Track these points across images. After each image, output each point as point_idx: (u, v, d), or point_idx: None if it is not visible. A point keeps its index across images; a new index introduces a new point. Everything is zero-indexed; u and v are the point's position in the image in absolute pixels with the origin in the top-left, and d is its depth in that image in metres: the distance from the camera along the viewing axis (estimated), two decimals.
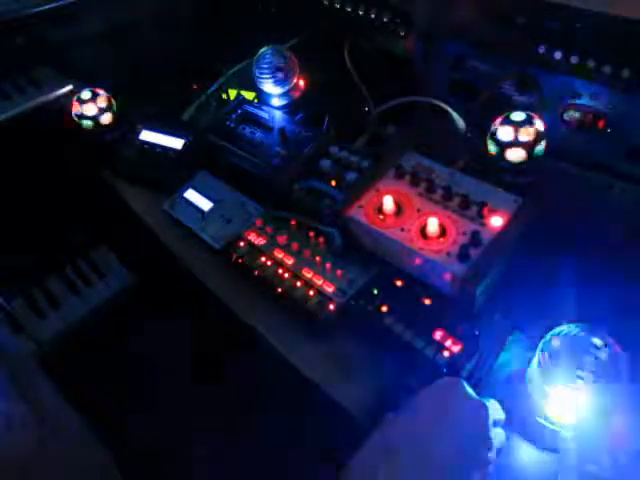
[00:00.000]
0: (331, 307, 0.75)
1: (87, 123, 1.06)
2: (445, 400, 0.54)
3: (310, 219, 0.84)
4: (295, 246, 0.83)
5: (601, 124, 0.83)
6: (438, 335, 0.69)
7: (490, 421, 0.54)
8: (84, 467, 0.55)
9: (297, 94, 1.09)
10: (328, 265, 0.79)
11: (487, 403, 0.55)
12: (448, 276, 0.68)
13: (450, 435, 0.51)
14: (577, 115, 0.85)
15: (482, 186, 0.76)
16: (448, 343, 0.68)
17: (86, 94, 1.06)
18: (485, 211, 0.72)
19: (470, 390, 0.56)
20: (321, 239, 0.82)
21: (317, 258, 0.80)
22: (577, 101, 0.85)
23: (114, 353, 1.24)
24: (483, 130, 0.84)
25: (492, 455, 0.53)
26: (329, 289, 0.77)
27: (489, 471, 0.52)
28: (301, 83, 1.09)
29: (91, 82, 1.12)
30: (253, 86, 1.10)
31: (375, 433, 0.52)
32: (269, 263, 0.82)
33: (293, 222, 0.86)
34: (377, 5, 1.08)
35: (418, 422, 0.52)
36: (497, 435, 0.55)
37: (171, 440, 1.15)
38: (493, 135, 0.81)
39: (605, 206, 0.82)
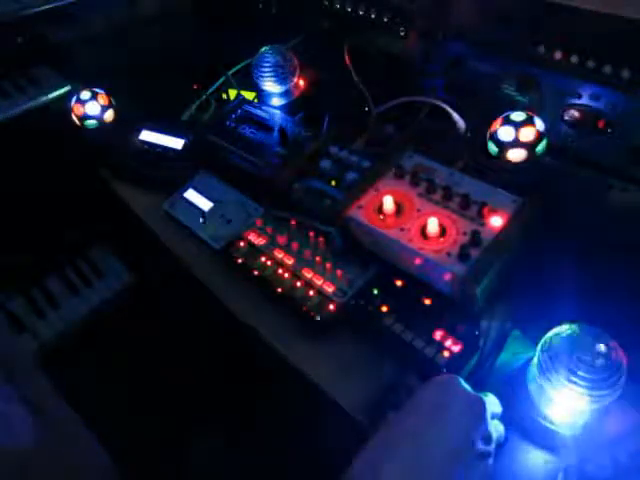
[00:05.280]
0: (331, 307, 0.75)
1: (87, 123, 1.06)
2: (442, 396, 0.54)
3: (310, 219, 0.84)
4: (295, 246, 0.83)
5: (601, 124, 0.83)
6: (438, 335, 0.69)
7: (488, 414, 0.54)
8: (84, 467, 0.55)
9: (297, 94, 1.09)
10: (328, 265, 0.79)
11: (484, 397, 0.56)
12: (448, 276, 0.68)
13: (449, 430, 0.51)
14: (577, 115, 0.85)
15: (482, 186, 0.76)
16: (448, 343, 0.68)
17: (86, 94, 1.06)
18: (485, 211, 0.72)
19: (466, 385, 0.56)
20: (321, 239, 0.82)
21: (317, 258, 0.80)
22: (577, 101, 0.85)
23: (114, 353, 1.24)
24: (483, 130, 0.84)
25: (492, 447, 0.53)
26: (329, 289, 0.77)
27: (489, 463, 0.52)
28: (301, 83, 1.09)
29: (91, 82, 1.12)
30: (253, 86, 1.10)
31: (377, 433, 0.53)
32: (269, 263, 0.82)
33: (293, 222, 0.86)
34: (377, 5, 1.08)
35: (417, 420, 0.52)
36: (496, 427, 0.55)
37: (171, 440, 1.15)
38: (493, 135, 0.81)
39: (605, 206, 0.82)
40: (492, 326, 0.70)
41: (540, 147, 0.79)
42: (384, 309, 0.73)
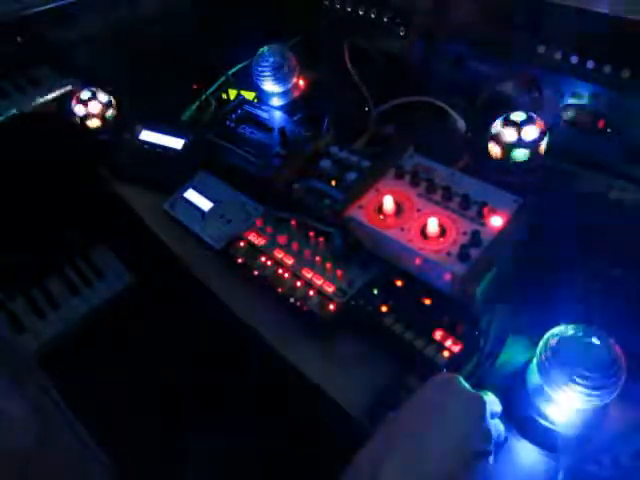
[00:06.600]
0: (331, 307, 0.75)
1: (87, 123, 1.06)
2: (442, 395, 0.54)
3: (310, 219, 0.84)
4: (295, 246, 0.83)
5: (601, 124, 0.83)
6: (438, 335, 0.69)
7: (488, 413, 0.54)
8: (84, 467, 0.55)
9: (297, 94, 1.09)
10: (328, 265, 0.79)
11: (484, 396, 0.56)
12: (448, 276, 0.68)
13: (449, 429, 0.51)
14: (577, 115, 0.85)
15: (482, 186, 0.76)
16: (448, 343, 0.68)
17: (86, 94, 1.06)
18: (485, 211, 0.72)
19: (466, 384, 0.56)
20: (321, 239, 0.82)
21: (317, 258, 0.80)
22: (577, 101, 0.85)
23: (114, 353, 1.24)
24: (483, 130, 0.84)
25: (491, 446, 0.53)
26: (329, 289, 0.77)
27: (489, 462, 0.52)
28: (301, 83, 1.09)
29: (91, 82, 1.12)
30: (253, 86, 1.10)
31: (377, 432, 0.53)
32: (269, 263, 0.82)
33: (293, 222, 0.86)
34: (377, 5, 1.08)
35: (417, 419, 0.53)
36: (495, 426, 0.55)
37: (171, 440, 1.15)
38: (495, 136, 0.81)
39: (605, 206, 0.82)
40: (492, 326, 0.70)
41: (540, 147, 0.79)
42: (384, 309, 0.73)
